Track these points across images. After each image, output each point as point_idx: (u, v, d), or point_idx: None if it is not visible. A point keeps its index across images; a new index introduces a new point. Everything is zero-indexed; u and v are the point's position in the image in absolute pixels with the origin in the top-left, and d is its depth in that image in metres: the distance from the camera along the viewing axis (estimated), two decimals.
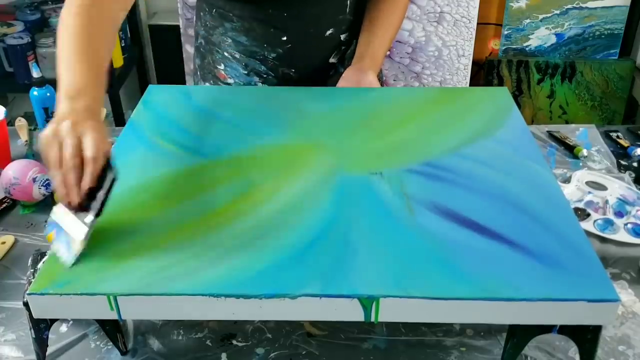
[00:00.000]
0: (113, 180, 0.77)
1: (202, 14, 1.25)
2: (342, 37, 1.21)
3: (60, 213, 0.77)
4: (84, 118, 0.77)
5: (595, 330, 0.74)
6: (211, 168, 0.93)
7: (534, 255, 0.75)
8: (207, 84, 1.29)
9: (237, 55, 1.22)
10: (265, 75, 1.22)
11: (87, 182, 0.74)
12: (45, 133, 0.76)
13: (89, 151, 0.74)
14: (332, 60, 1.23)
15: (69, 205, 0.76)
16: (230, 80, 1.25)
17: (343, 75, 1.19)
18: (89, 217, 0.75)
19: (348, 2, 1.19)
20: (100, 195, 0.75)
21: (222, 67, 1.25)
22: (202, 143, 0.99)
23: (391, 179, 0.90)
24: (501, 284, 0.71)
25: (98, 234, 0.78)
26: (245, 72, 1.23)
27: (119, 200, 0.85)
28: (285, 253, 0.75)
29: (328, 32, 1.19)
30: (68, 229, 0.76)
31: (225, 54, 1.23)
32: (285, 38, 1.17)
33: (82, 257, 0.75)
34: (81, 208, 0.75)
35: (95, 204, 0.75)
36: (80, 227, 0.75)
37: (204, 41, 1.27)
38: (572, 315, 0.71)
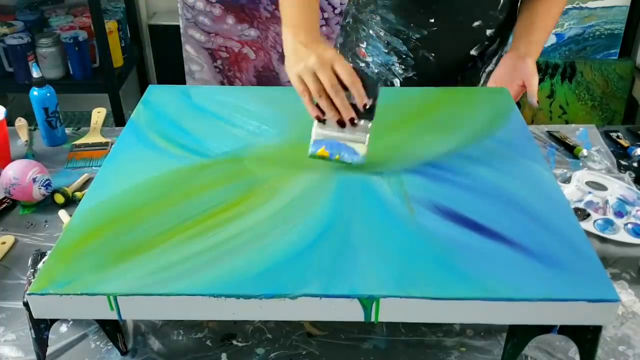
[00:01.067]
0: (376, 89, 0.91)
1: None
2: (488, 32, 1.23)
3: (324, 133, 0.92)
4: (326, 53, 0.91)
5: (596, 330, 0.74)
6: (211, 168, 0.93)
7: (534, 255, 0.75)
8: (345, 61, 1.31)
9: (382, 33, 1.24)
10: (404, 56, 1.24)
11: (364, 98, 0.89)
12: (298, 69, 0.91)
13: (348, 76, 0.89)
14: (472, 52, 1.24)
15: (339, 123, 0.90)
16: (368, 59, 1.28)
17: (501, 62, 1.21)
18: (368, 124, 0.91)
19: (502, 0, 1.20)
20: (371, 103, 0.90)
21: (364, 45, 1.28)
22: (202, 143, 0.99)
23: (391, 179, 0.90)
24: (501, 284, 0.71)
25: (98, 234, 0.78)
26: (386, 50, 1.25)
27: (119, 200, 0.85)
28: (285, 253, 0.75)
29: (475, 24, 1.20)
30: (347, 139, 0.91)
31: (371, 31, 1.26)
32: (432, 20, 1.19)
33: (82, 257, 0.75)
34: (352, 122, 0.90)
35: (368, 115, 0.91)
36: (359, 135, 0.91)
37: (352, 20, 1.30)
38: (572, 315, 0.71)
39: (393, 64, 1.26)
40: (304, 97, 0.92)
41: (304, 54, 0.91)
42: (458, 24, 1.20)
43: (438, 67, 1.24)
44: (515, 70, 1.18)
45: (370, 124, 0.91)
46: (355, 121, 0.90)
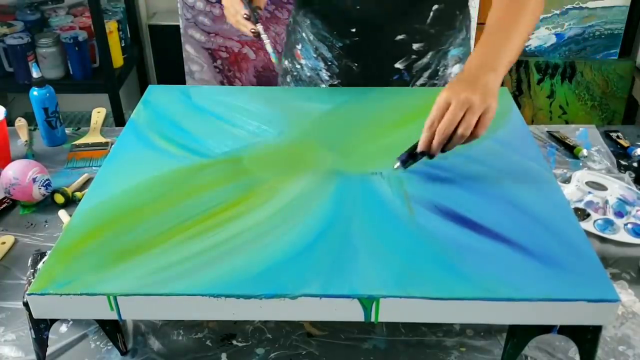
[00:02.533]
0: None
1: None
2: (415, 46, 1.19)
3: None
4: (493, 96, 0.86)
5: (595, 330, 0.74)
6: (211, 168, 0.93)
7: (534, 255, 0.75)
8: (287, 61, 1.32)
9: (311, 37, 1.23)
10: (329, 63, 1.23)
11: (448, 148, 0.87)
12: (458, 96, 0.83)
13: (481, 130, 0.85)
14: (398, 65, 1.21)
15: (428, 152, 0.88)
16: (302, 61, 1.27)
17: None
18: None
19: (431, 14, 1.16)
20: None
21: (299, 46, 1.27)
22: (202, 143, 0.99)
23: (391, 179, 0.90)
24: (501, 284, 0.71)
25: (98, 234, 0.78)
26: (315, 55, 1.24)
27: (120, 200, 0.85)
28: (285, 253, 0.75)
29: (398, 37, 1.17)
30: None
31: (303, 34, 1.25)
32: (354, 30, 1.17)
33: (82, 257, 0.75)
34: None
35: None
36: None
37: (292, 20, 1.30)
38: (572, 315, 0.71)
39: (320, 70, 1.24)
40: (430, 125, 0.86)
41: (479, 88, 0.84)
42: (379, 36, 1.17)
43: (362, 77, 1.21)
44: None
45: (260, 28, 1.06)
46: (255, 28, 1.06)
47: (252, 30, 1.06)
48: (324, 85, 1.25)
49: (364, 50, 1.19)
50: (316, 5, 1.20)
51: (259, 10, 1.08)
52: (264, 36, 1.06)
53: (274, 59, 1.07)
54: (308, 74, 1.26)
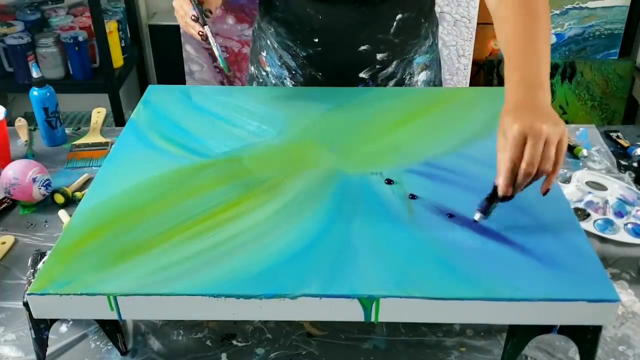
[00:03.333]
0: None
1: (260, 1, 1.27)
2: (379, 56, 1.18)
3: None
4: (560, 119, 0.78)
5: (595, 330, 0.74)
6: (211, 168, 0.93)
7: (534, 255, 0.75)
8: (252, 67, 1.32)
9: (276, 45, 1.22)
10: (294, 72, 1.22)
11: (544, 188, 0.79)
12: (523, 127, 0.76)
13: (560, 162, 0.77)
14: (362, 75, 1.20)
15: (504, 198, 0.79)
16: (268, 68, 1.26)
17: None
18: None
19: (395, 23, 1.15)
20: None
21: (264, 53, 1.26)
22: (202, 143, 0.99)
23: (391, 179, 0.90)
24: (501, 284, 0.71)
25: (98, 234, 0.78)
26: (279, 63, 1.23)
27: (120, 200, 0.85)
28: (285, 253, 0.75)
29: (362, 48, 1.16)
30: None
31: (268, 42, 1.24)
32: (317, 40, 1.16)
33: (82, 257, 0.75)
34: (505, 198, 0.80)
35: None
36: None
37: (257, 26, 1.29)
38: (572, 316, 0.71)
39: (285, 78, 1.23)
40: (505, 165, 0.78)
41: (533, 111, 0.78)
42: (342, 47, 1.16)
43: (326, 86, 1.20)
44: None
45: (208, 31, 1.04)
46: (203, 32, 1.04)
47: (200, 33, 1.03)
48: None
49: (328, 60, 1.18)
50: (279, 13, 1.19)
51: (209, 13, 1.04)
52: (211, 40, 1.04)
53: (222, 64, 1.03)
54: (273, 81, 1.25)
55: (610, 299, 0.69)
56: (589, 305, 0.69)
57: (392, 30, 1.16)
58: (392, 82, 1.22)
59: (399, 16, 1.15)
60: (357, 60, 1.18)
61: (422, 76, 1.26)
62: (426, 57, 1.25)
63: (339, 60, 1.18)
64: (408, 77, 1.24)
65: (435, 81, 1.31)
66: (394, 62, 1.20)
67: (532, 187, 0.87)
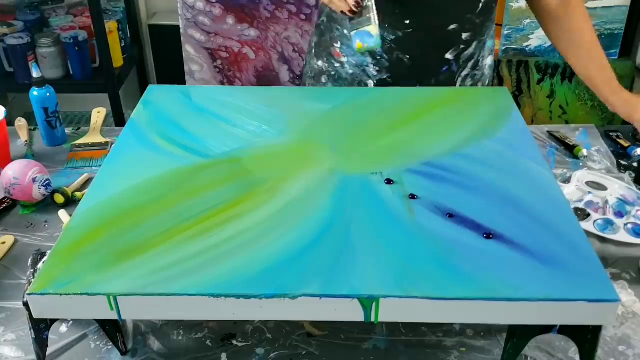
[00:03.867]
0: None
1: None
2: (464, 36, 1.21)
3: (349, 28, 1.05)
4: None
5: (595, 330, 0.74)
6: (211, 168, 0.93)
7: (534, 255, 0.75)
8: (320, 61, 1.31)
9: None
10: (378, 57, 1.22)
11: None
12: None
13: None
14: (448, 56, 1.22)
15: (352, 15, 1.00)
16: (343, 59, 1.26)
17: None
18: (369, 2, 1.00)
19: (481, 4, 1.18)
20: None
21: (338, 45, 1.26)
22: (202, 143, 0.99)
23: (391, 180, 0.90)
24: (501, 284, 0.71)
25: (98, 234, 0.78)
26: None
27: (120, 200, 0.85)
28: (285, 253, 0.75)
29: (452, 27, 1.18)
30: (360, 26, 1.01)
31: (345, 31, 1.24)
32: (408, 22, 1.17)
33: (82, 257, 0.75)
34: (358, 5, 0.99)
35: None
36: (366, 17, 1.01)
37: (326, 18, 1.28)
38: (572, 316, 0.71)
39: (367, 65, 1.23)
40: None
41: None
42: (434, 26, 1.18)
43: (412, 70, 1.22)
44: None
45: (370, 2, 1.00)
46: (361, 3, 1.00)
47: (356, 3, 1.00)
48: (370, 82, 1.24)
49: (417, 41, 1.19)
50: None
51: None
52: (373, 14, 1.01)
53: (375, 44, 1.01)
54: (350, 71, 1.25)
55: (610, 299, 0.69)
56: (589, 305, 0.69)
57: (477, 11, 1.19)
58: (470, 64, 1.25)
59: None
60: (446, 41, 1.21)
61: (488, 60, 1.30)
62: (492, 42, 1.29)
63: (428, 42, 1.20)
64: (481, 60, 1.27)
65: (494, 66, 1.38)
66: (474, 43, 1.23)
67: (531, 187, 0.88)
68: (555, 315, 0.71)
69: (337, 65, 1.27)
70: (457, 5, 1.17)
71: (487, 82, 1.32)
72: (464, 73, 1.26)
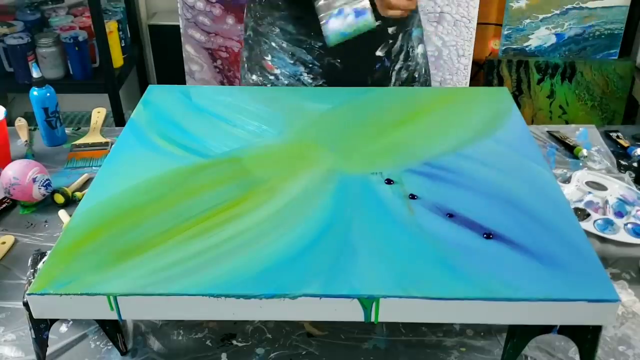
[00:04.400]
0: None
1: (252, 5, 1.26)
2: (390, 30, 1.21)
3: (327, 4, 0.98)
4: None
5: (595, 330, 0.74)
6: (211, 168, 0.93)
7: (534, 255, 0.75)
8: (254, 75, 1.30)
9: (284, 45, 1.22)
10: (310, 65, 1.22)
11: None
12: None
13: None
14: (378, 53, 1.23)
15: None
16: (277, 71, 1.25)
17: None
18: None
19: None
20: None
21: (269, 57, 1.25)
22: (202, 143, 0.99)
23: (392, 180, 0.90)
24: (501, 284, 0.71)
25: (98, 234, 0.78)
26: (292, 61, 1.23)
27: (120, 200, 0.85)
28: (285, 253, 0.75)
29: (375, 24, 1.17)
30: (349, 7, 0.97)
31: (273, 44, 1.24)
32: None
33: (82, 257, 0.75)
34: None
35: None
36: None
37: (252, 33, 1.28)
38: (572, 316, 0.71)
39: (301, 74, 1.23)
40: None
41: None
42: None
43: (346, 72, 1.22)
44: None
45: None
46: None
47: None
48: None
49: (345, 44, 1.16)
50: (282, 12, 1.19)
51: None
52: None
53: (369, 22, 0.99)
54: (286, 82, 1.25)
55: (610, 299, 0.69)
56: (589, 305, 0.69)
57: None
58: (401, 56, 1.26)
59: None
60: (373, 39, 1.20)
61: (419, 49, 1.30)
62: (419, 30, 1.30)
63: (356, 42, 1.17)
64: (411, 50, 1.27)
65: (426, 54, 1.36)
66: (400, 35, 1.23)
67: (531, 187, 0.88)
68: (555, 315, 0.71)
69: (271, 77, 1.26)
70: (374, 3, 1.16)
71: (422, 70, 1.33)
72: (397, 66, 1.26)
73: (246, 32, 1.31)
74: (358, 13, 0.98)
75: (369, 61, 1.23)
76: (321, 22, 1.00)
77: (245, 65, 1.33)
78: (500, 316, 0.71)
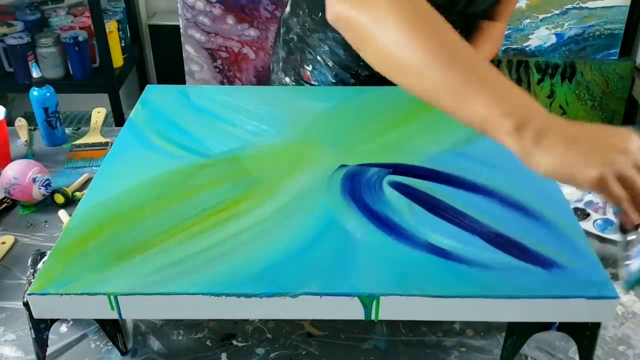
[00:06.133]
0: None
1: (301, 12, 1.23)
2: None
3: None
4: (628, 143, 0.67)
5: (594, 327, 0.74)
6: (210, 168, 0.93)
7: (534, 255, 0.75)
8: (288, 78, 1.29)
9: (330, 64, 1.20)
10: (352, 85, 1.21)
11: None
12: (601, 171, 0.66)
13: None
14: None
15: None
16: (314, 83, 1.24)
17: None
18: None
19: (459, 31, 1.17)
20: None
21: (309, 68, 1.24)
22: (201, 143, 0.99)
23: (391, 178, 0.90)
24: (500, 282, 0.71)
25: (98, 234, 0.78)
26: (334, 80, 1.22)
27: (119, 200, 0.85)
28: (285, 252, 0.75)
29: None
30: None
31: (318, 57, 1.22)
32: None
33: (82, 257, 0.75)
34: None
35: None
36: None
37: (296, 38, 1.25)
38: (571, 313, 0.71)
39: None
40: (613, 202, 0.69)
41: (593, 147, 0.67)
42: None
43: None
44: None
45: None
46: None
47: None
48: None
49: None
50: (337, 34, 1.14)
51: None
52: None
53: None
54: None
55: (609, 295, 0.70)
56: (588, 302, 0.69)
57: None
58: None
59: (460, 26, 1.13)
60: None
61: None
62: None
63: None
64: None
65: None
66: None
67: (531, 186, 0.88)
68: (555, 312, 0.71)
69: (305, 85, 1.25)
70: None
71: None
72: None
73: (288, 34, 1.28)
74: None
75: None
76: (625, 262, 0.75)
77: (281, 64, 1.31)
78: (500, 314, 0.71)
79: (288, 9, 1.29)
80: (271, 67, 1.37)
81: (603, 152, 0.66)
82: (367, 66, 1.14)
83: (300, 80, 1.26)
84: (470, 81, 0.70)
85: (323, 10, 1.17)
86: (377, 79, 1.16)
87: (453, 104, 0.71)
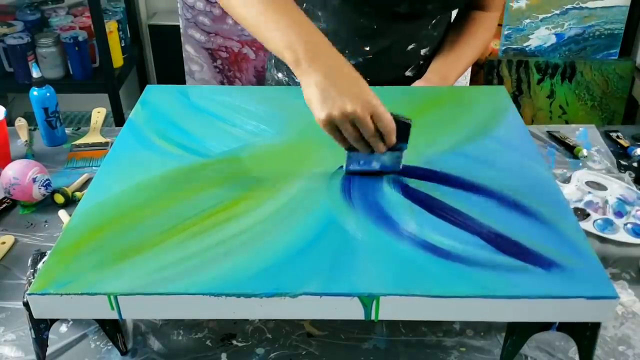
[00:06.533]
0: (408, 134, 0.87)
1: None
2: (423, 51, 1.21)
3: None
4: (365, 96, 0.82)
5: (594, 327, 0.74)
6: (210, 168, 0.93)
7: (533, 255, 0.75)
8: (280, 74, 1.30)
9: None
10: None
11: (392, 142, 0.84)
12: (333, 115, 0.81)
13: (386, 126, 0.82)
14: (408, 73, 1.23)
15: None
16: None
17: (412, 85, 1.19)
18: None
19: (434, 20, 1.18)
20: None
21: None
22: (201, 143, 0.99)
23: (391, 177, 0.90)
24: (500, 282, 0.71)
25: (98, 234, 0.78)
26: None
27: (119, 200, 0.85)
28: (285, 252, 0.75)
29: (410, 47, 1.19)
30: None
31: None
32: (368, 48, 1.17)
33: (82, 257, 0.75)
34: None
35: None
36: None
37: None
38: (571, 313, 0.71)
39: None
40: (337, 142, 0.86)
41: (334, 93, 0.81)
42: (393, 50, 1.18)
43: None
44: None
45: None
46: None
47: None
48: None
49: (377, 65, 1.19)
50: (321, 24, 1.18)
51: None
52: None
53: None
54: None
55: (609, 295, 0.70)
56: (588, 302, 0.69)
57: (431, 24, 1.19)
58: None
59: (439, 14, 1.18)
60: (405, 61, 1.21)
61: None
62: None
63: (388, 64, 1.20)
64: None
65: None
66: (431, 56, 1.24)
67: (531, 186, 0.88)
68: (555, 312, 0.71)
69: (297, 80, 1.25)
70: (413, 27, 1.17)
71: None
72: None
73: None
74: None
75: (398, 81, 1.23)
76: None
77: (273, 60, 1.32)
78: (500, 314, 0.71)
79: None
80: (266, 66, 1.37)
81: (343, 98, 0.80)
82: (354, 55, 1.18)
83: (291, 75, 1.27)
84: (276, 20, 0.87)
85: (309, 1, 1.18)
86: (360, 68, 1.17)
87: (262, 39, 0.91)
